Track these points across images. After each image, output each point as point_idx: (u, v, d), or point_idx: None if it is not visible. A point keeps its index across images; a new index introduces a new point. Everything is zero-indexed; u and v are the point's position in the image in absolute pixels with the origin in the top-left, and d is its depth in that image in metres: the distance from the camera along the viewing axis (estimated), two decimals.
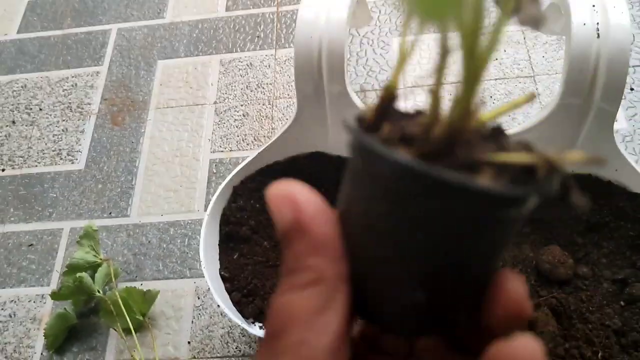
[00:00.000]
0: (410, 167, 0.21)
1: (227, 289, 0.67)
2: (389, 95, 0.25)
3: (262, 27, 1.10)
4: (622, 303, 0.63)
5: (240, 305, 0.66)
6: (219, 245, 0.69)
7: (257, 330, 0.63)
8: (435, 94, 0.24)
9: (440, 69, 0.23)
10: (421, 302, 0.24)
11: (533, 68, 0.99)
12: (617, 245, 0.66)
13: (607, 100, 0.60)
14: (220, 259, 0.68)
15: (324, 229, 0.25)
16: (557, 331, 0.61)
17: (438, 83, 0.23)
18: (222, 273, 0.67)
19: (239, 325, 0.81)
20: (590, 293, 0.63)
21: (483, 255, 0.24)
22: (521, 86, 0.97)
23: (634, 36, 0.99)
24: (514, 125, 0.90)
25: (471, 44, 0.22)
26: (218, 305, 0.63)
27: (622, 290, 0.64)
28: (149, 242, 0.90)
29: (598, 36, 0.58)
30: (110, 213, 0.93)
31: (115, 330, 0.81)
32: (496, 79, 0.98)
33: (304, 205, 0.26)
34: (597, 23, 0.58)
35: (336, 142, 0.71)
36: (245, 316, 0.65)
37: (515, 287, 0.26)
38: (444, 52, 0.22)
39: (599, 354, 0.60)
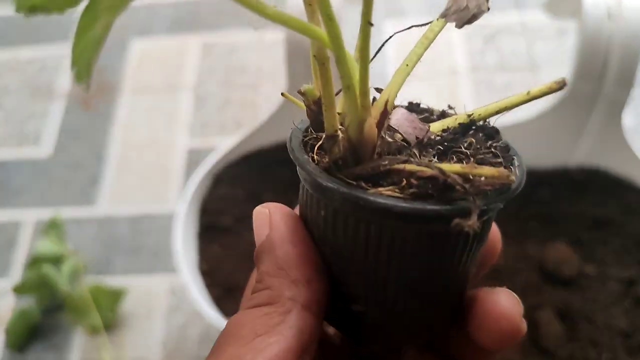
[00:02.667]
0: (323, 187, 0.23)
1: (206, 284, 0.61)
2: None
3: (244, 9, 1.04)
4: (628, 303, 0.60)
5: (220, 301, 0.60)
6: (198, 235, 0.64)
7: None
8: (329, 109, 0.23)
9: (323, 80, 0.23)
10: (362, 312, 0.25)
11: (533, 59, 0.95)
12: (623, 242, 0.62)
13: (619, 87, 0.56)
14: (199, 251, 0.63)
15: (288, 250, 0.25)
16: (560, 332, 0.57)
17: (328, 97, 0.23)
18: (202, 266, 0.62)
19: (217, 325, 0.75)
20: (596, 292, 0.60)
21: (424, 268, 0.24)
22: (519, 77, 0.93)
23: None
24: (519, 113, 0.86)
25: (338, 54, 0.22)
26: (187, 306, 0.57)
27: (629, 289, 0.60)
28: (121, 234, 0.84)
29: (609, 17, 0.54)
30: (79, 203, 0.87)
31: (82, 328, 0.75)
32: (495, 70, 0.94)
33: (276, 224, 0.26)
34: (609, 4, 0.54)
35: None
36: (226, 314, 0.59)
37: (509, 305, 0.25)
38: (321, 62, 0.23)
39: (603, 356, 0.56)
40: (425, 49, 0.26)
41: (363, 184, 0.22)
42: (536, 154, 0.65)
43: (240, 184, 0.66)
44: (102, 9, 0.21)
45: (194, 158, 0.89)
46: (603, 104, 0.58)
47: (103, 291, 0.74)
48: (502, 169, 0.23)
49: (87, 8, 0.21)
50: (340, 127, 0.24)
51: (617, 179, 0.64)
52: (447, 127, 0.26)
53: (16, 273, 0.81)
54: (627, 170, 0.63)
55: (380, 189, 0.22)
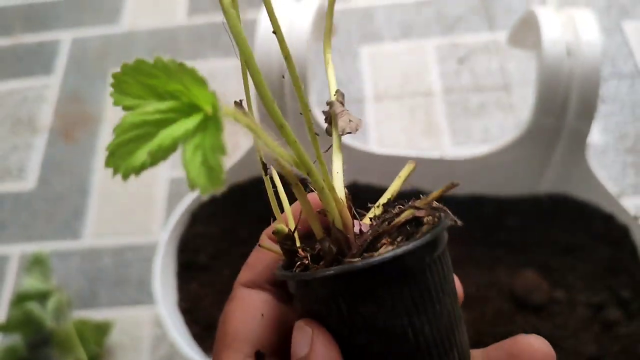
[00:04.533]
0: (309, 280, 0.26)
1: (186, 322, 0.62)
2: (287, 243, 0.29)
3: (224, 35, 1.05)
4: (597, 328, 0.61)
5: (200, 339, 0.62)
6: (176, 274, 0.65)
7: None
8: (313, 221, 0.28)
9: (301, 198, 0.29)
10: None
11: (506, 78, 0.97)
12: (592, 268, 0.64)
13: (581, 120, 0.57)
14: (178, 289, 0.64)
15: None
16: None
17: (308, 212, 0.28)
18: (181, 304, 0.63)
19: None
20: (565, 318, 0.61)
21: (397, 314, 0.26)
22: (495, 97, 0.94)
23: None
24: (488, 143, 0.88)
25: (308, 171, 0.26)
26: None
27: (598, 314, 0.62)
28: (105, 266, 0.85)
29: (569, 54, 0.55)
30: (62, 236, 0.88)
31: None
32: (469, 90, 0.96)
33: (317, 350, 0.28)
34: (567, 41, 0.55)
35: None
36: (205, 350, 0.61)
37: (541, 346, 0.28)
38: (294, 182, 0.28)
39: None
40: None
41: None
42: (503, 183, 0.67)
43: (215, 221, 0.67)
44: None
45: (176, 188, 0.90)
46: (567, 135, 0.59)
47: (88, 325, 0.75)
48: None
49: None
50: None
51: (584, 206, 0.65)
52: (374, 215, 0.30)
53: (2, 308, 0.82)
54: (593, 197, 0.64)
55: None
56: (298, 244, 0.29)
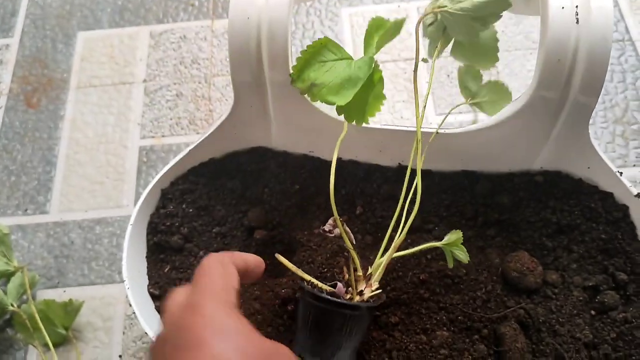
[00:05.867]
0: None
1: (157, 309, 0.58)
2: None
3: None
4: (592, 312, 0.58)
5: None
6: (146, 258, 0.60)
7: None
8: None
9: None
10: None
11: None
12: (587, 249, 0.60)
13: (586, 93, 0.53)
14: (148, 274, 0.60)
15: None
16: (525, 347, 0.56)
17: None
18: (151, 290, 0.59)
19: None
20: (560, 302, 0.58)
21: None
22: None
23: None
24: (472, 113, 0.83)
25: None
26: (146, 333, 0.54)
27: (593, 298, 0.59)
28: (72, 242, 0.80)
29: (577, 21, 0.51)
30: (26, 210, 0.82)
31: (34, 346, 0.71)
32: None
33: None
34: (577, 6, 0.50)
35: (281, 136, 0.63)
36: None
37: None
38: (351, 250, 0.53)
39: None
40: None
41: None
42: (499, 159, 0.63)
43: (189, 199, 0.62)
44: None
45: (146, 157, 0.85)
46: (570, 108, 0.55)
47: (54, 307, 0.71)
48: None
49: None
50: None
51: (581, 183, 0.61)
52: None
53: None
54: (592, 175, 0.61)
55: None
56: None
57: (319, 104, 0.58)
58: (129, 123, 0.88)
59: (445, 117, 0.59)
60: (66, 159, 0.86)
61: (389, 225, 0.62)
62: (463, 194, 0.63)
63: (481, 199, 0.63)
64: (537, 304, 0.58)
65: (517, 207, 0.62)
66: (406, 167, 0.64)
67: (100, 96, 0.91)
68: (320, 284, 0.54)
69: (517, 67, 0.89)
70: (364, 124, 0.55)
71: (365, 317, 0.54)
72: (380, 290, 0.54)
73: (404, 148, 0.60)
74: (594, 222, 0.60)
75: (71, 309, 0.72)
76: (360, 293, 0.53)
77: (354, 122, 0.55)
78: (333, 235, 0.54)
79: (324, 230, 0.54)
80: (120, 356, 0.72)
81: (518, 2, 0.57)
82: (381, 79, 0.53)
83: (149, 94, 0.91)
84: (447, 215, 0.63)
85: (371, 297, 0.54)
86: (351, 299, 0.53)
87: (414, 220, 0.58)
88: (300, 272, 0.55)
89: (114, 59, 0.94)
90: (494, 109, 0.59)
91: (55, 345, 0.71)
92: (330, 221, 0.54)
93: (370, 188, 0.64)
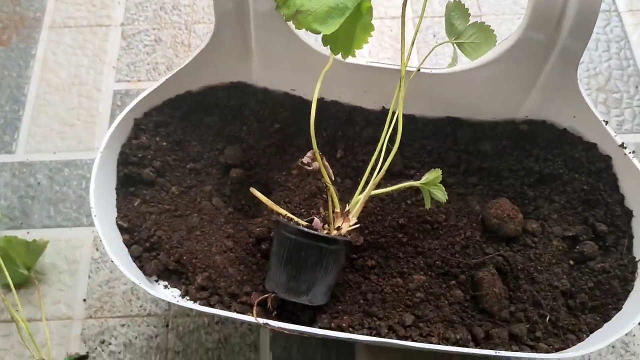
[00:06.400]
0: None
1: (125, 242, 0.56)
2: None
3: None
4: (571, 262, 0.57)
5: (140, 260, 0.55)
6: (116, 190, 0.58)
7: (160, 291, 0.53)
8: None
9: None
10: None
11: (480, 7, 0.91)
12: (569, 199, 0.59)
13: (576, 36, 0.52)
14: (117, 206, 0.57)
15: None
16: (502, 293, 0.55)
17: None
18: (120, 223, 0.56)
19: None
20: (539, 251, 0.57)
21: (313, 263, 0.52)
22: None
23: None
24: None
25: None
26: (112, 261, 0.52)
27: (572, 248, 0.58)
28: (39, 183, 0.77)
29: None
30: None
31: None
32: (440, 16, 0.89)
33: None
34: None
35: (262, 71, 0.61)
36: (146, 273, 0.54)
37: None
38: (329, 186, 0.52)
39: (547, 318, 0.54)
40: None
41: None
42: (483, 104, 0.61)
43: (163, 132, 0.60)
44: None
45: (120, 101, 0.82)
46: (558, 52, 0.54)
47: (16, 246, 0.68)
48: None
49: None
50: None
51: (565, 133, 0.60)
52: None
53: None
54: (577, 125, 0.60)
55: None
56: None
57: (304, 36, 0.56)
58: (103, 66, 0.85)
59: (427, 55, 0.58)
60: (36, 98, 0.83)
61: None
62: (446, 140, 0.62)
63: (464, 146, 0.62)
64: (516, 252, 0.57)
65: (500, 155, 0.61)
66: (389, 110, 0.62)
67: (74, 37, 0.87)
68: (296, 219, 0.52)
69: (504, 32, 0.88)
70: (349, 59, 0.53)
71: (342, 253, 0.52)
72: (358, 225, 0.52)
73: (388, 89, 0.58)
74: (577, 173, 0.59)
75: (34, 248, 0.69)
76: (338, 229, 0.52)
77: (339, 55, 0.53)
78: (311, 168, 0.52)
79: (302, 162, 0.52)
80: (84, 300, 0.70)
81: None
82: (370, 9, 0.51)
83: (127, 37, 0.87)
84: (429, 162, 0.62)
85: (349, 232, 0.52)
86: (328, 234, 0.51)
87: (395, 165, 0.57)
88: (276, 207, 0.53)
89: (90, 1, 0.90)
90: (475, 52, 0.57)
91: (16, 287, 0.68)
92: (309, 154, 0.53)
93: (352, 131, 0.62)
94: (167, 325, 0.68)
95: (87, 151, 0.79)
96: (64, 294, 0.70)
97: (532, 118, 0.61)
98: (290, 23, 0.53)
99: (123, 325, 0.69)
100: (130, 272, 0.51)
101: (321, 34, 0.52)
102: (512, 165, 0.61)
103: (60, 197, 0.76)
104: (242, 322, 0.68)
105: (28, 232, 0.73)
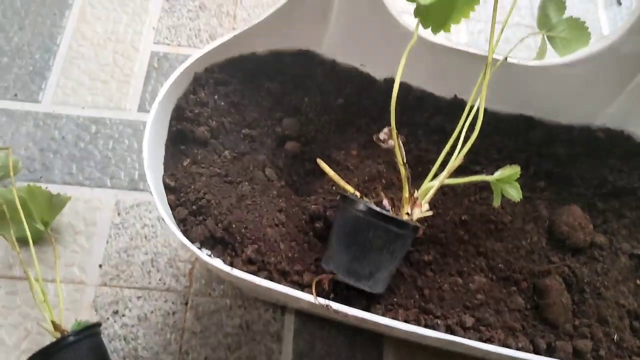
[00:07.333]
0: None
1: (170, 203, 0.51)
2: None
3: None
4: (638, 281, 0.54)
5: (185, 224, 0.51)
6: (166, 145, 0.53)
7: (204, 256, 0.48)
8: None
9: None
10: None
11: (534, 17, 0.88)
12: None
13: None
14: (165, 164, 0.53)
15: None
16: (568, 305, 0.51)
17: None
18: (167, 181, 0.51)
19: (166, 254, 0.65)
20: (607, 266, 0.54)
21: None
22: (520, 34, 0.86)
23: None
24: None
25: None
26: (162, 220, 0.47)
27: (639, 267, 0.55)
28: (63, 137, 0.72)
29: None
30: (15, 95, 0.74)
31: (5, 238, 0.63)
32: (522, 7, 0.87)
33: None
34: None
35: (335, 41, 0.57)
36: (190, 239, 0.50)
37: None
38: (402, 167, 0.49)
39: (614, 337, 0.50)
40: None
41: None
42: (558, 105, 0.58)
43: (223, 91, 0.55)
44: None
45: (157, 64, 0.77)
46: None
47: (38, 197, 0.62)
48: None
49: None
50: None
51: None
52: None
53: None
54: None
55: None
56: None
57: (391, 5, 0.52)
58: (143, 25, 0.81)
59: (515, 45, 0.55)
60: (68, 50, 0.78)
61: (430, 160, 0.57)
62: (517, 139, 0.59)
63: (535, 147, 0.59)
64: (583, 264, 0.54)
65: (573, 161, 0.58)
66: (462, 100, 0.59)
67: None
68: (365, 198, 0.48)
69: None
70: (434, 37, 0.50)
71: (409, 240, 0.48)
72: (431, 213, 0.49)
73: (466, 77, 0.55)
74: None
75: (57, 202, 0.64)
76: (408, 214, 0.48)
77: (429, 33, 0.49)
78: (387, 146, 0.49)
79: (377, 138, 0.48)
80: (100, 265, 0.65)
81: None
82: None
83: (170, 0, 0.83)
84: (497, 159, 0.58)
85: (419, 220, 0.48)
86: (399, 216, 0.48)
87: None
88: (343, 183, 0.49)
89: None
90: (566, 48, 0.54)
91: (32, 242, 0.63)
92: (385, 130, 0.49)
93: (419, 117, 0.59)
94: (186, 303, 0.64)
95: (118, 110, 0.74)
96: (79, 257, 0.65)
97: (610, 127, 0.58)
98: None
99: (139, 298, 0.64)
100: (178, 234, 0.46)
101: (415, 4, 0.48)
102: (584, 173, 0.57)
103: (84, 154, 0.71)
104: (267, 309, 0.63)
105: (46, 187, 0.68)
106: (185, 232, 0.51)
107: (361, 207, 0.46)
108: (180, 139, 0.54)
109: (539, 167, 0.58)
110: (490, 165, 0.58)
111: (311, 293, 0.45)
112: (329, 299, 0.47)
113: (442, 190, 0.56)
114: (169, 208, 0.51)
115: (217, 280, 0.64)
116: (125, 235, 0.67)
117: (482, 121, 0.58)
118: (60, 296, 0.61)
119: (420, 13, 0.48)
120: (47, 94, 0.74)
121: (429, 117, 0.59)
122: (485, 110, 0.59)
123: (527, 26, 0.86)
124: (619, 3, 0.90)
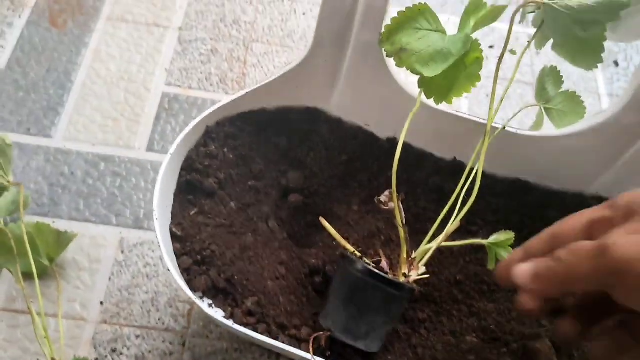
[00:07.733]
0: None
1: (176, 251, 0.53)
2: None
3: None
4: None
5: (189, 273, 0.52)
6: (175, 194, 0.55)
7: (206, 308, 0.50)
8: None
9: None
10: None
11: (535, 75, 0.91)
12: None
13: None
14: (173, 212, 0.54)
15: None
16: None
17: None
18: (174, 230, 0.53)
19: (167, 293, 0.67)
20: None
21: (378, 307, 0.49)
22: (520, 92, 0.89)
23: None
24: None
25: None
26: (167, 270, 0.49)
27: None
28: (72, 173, 0.74)
29: None
30: (28, 129, 0.76)
31: (10, 272, 0.64)
32: (519, 81, 0.89)
33: None
34: None
35: (342, 101, 0.59)
36: (193, 288, 0.52)
37: None
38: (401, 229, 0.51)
39: None
40: None
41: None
42: (554, 172, 0.60)
43: (232, 144, 0.58)
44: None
45: (168, 105, 0.80)
46: None
47: (46, 233, 0.64)
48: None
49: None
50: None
51: None
52: None
53: None
54: None
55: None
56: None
57: (397, 74, 0.55)
58: (156, 66, 0.83)
59: (515, 114, 0.57)
60: (82, 87, 0.80)
61: (429, 218, 0.59)
62: (512, 202, 0.61)
63: (529, 210, 0.61)
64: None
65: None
66: (461, 162, 0.61)
67: (130, 33, 0.86)
68: (365, 258, 0.50)
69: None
70: (437, 106, 0.52)
71: (405, 301, 0.50)
72: (427, 275, 0.50)
73: (465, 141, 0.57)
74: None
75: (64, 239, 0.66)
76: (405, 275, 0.50)
77: (431, 100, 0.52)
78: (387, 208, 0.51)
79: (379, 200, 0.51)
80: (101, 302, 0.66)
81: (626, 30, 0.55)
82: (478, 60, 0.50)
83: (183, 42, 0.86)
84: (493, 221, 0.60)
85: (415, 281, 0.50)
86: (396, 277, 0.49)
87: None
88: (343, 242, 0.51)
89: (151, 0, 0.89)
90: (562, 121, 0.57)
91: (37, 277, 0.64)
92: (387, 192, 0.51)
93: (418, 176, 0.61)
94: (183, 344, 0.65)
95: (127, 149, 0.76)
96: (81, 293, 0.67)
97: (601, 195, 0.60)
98: (389, 59, 0.52)
99: (138, 337, 0.65)
100: (182, 284, 0.48)
101: (419, 76, 0.51)
102: None
103: (92, 191, 0.73)
104: (262, 354, 0.64)
105: (53, 222, 0.70)
106: (188, 282, 0.52)
107: (360, 267, 0.48)
108: (189, 189, 0.56)
109: (533, 229, 0.60)
110: (486, 226, 0.60)
111: (308, 349, 0.47)
112: (325, 356, 0.49)
113: (439, 249, 0.57)
114: (174, 256, 0.53)
115: (215, 323, 0.66)
116: (127, 273, 0.68)
117: (480, 183, 0.60)
118: (62, 332, 0.62)
119: (424, 84, 0.51)
120: (59, 130, 0.76)
121: (427, 177, 0.61)
122: (483, 173, 0.61)
123: (527, 83, 0.89)
124: (616, 64, 0.93)
